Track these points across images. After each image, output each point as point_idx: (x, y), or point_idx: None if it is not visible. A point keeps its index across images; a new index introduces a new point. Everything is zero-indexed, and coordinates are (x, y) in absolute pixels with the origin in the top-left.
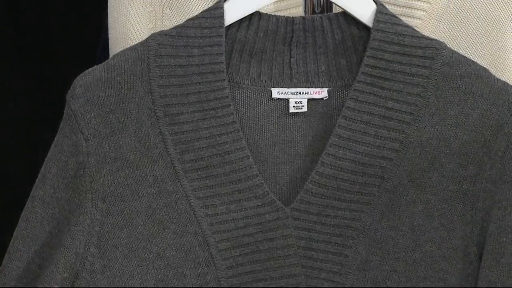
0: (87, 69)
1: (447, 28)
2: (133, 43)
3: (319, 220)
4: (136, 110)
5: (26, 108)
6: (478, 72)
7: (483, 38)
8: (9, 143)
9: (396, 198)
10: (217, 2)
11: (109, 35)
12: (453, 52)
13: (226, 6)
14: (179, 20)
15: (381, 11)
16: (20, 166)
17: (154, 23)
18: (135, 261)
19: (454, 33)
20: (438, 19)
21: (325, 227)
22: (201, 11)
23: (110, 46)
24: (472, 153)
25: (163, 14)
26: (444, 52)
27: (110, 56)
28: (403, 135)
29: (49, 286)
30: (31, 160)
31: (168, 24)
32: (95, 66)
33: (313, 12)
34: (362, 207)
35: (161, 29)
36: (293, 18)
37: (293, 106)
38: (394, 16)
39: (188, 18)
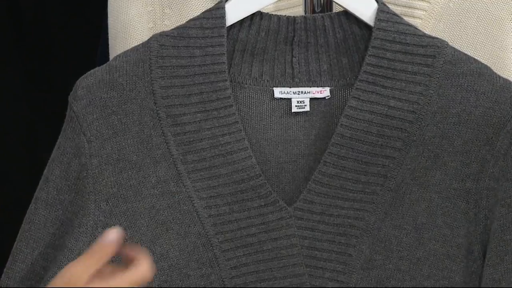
0: (87, 68)
1: (447, 28)
2: (133, 42)
3: (322, 219)
4: (138, 111)
5: (26, 108)
6: (480, 70)
7: (483, 38)
8: (9, 143)
9: (399, 196)
10: (218, 2)
11: (109, 34)
12: (455, 50)
13: (227, 6)
14: (179, 19)
15: (382, 10)
16: (20, 165)
17: (154, 22)
18: None
19: (454, 32)
20: (438, 18)
21: (329, 226)
22: (201, 10)
23: (110, 46)
24: (475, 151)
25: (163, 14)
26: (446, 50)
27: (110, 56)
28: (406, 134)
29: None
30: (31, 159)
31: (168, 23)
32: (96, 68)
33: (313, 11)
34: (365, 206)
35: (161, 28)
36: (294, 18)
37: (296, 106)
38: (395, 14)
39: (188, 17)
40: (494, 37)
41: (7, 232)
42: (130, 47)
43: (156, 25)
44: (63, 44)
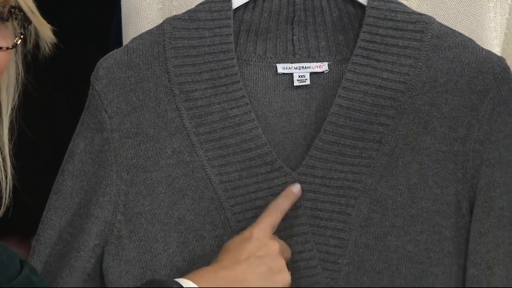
0: (101, 48)
1: (430, 8)
2: (144, 22)
3: (323, 182)
4: (154, 89)
5: (46, 86)
6: (464, 42)
7: (463, 17)
8: (32, 121)
9: (393, 160)
10: None
11: (122, 14)
12: (441, 25)
13: None
14: (186, 0)
15: None
16: (43, 142)
17: (163, 3)
18: (158, 226)
19: (437, 12)
20: None
21: (329, 188)
22: None
23: (123, 24)
24: (461, 116)
25: None
26: (433, 26)
27: (123, 34)
28: (398, 103)
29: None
30: (53, 136)
31: (176, 4)
32: (115, 50)
33: None
34: (362, 169)
35: (170, 9)
36: None
37: (297, 80)
38: None
39: None
40: (474, 17)
41: (28, 198)
42: (144, 28)
43: (165, 6)
44: (78, 22)
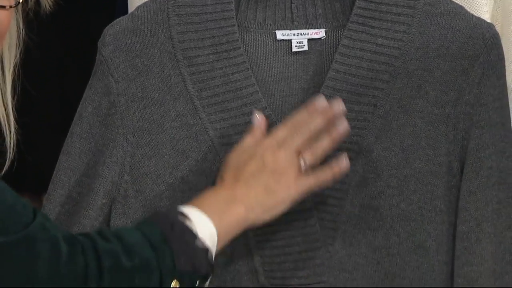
0: (108, 16)
1: None
2: None
3: None
4: (159, 54)
5: (57, 54)
6: (456, 9)
7: None
8: (43, 85)
9: (387, 122)
10: None
11: None
12: None
13: None
14: None
15: None
16: (53, 105)
17: None
18: (163, 186)
19: None
20: None
21: None
22: None
23: None
24: (452, 80)
25: None
26: None
27: (129, 3)
28: (392, 68)
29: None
30: (62, 100)
31: None
32: (121, 17)
33: None
34: (358, 131)
35: None
36: None
37: (295, 46)
38: None
39: None
40: None
41: (43, 163)
42: None
43: None
44: None
